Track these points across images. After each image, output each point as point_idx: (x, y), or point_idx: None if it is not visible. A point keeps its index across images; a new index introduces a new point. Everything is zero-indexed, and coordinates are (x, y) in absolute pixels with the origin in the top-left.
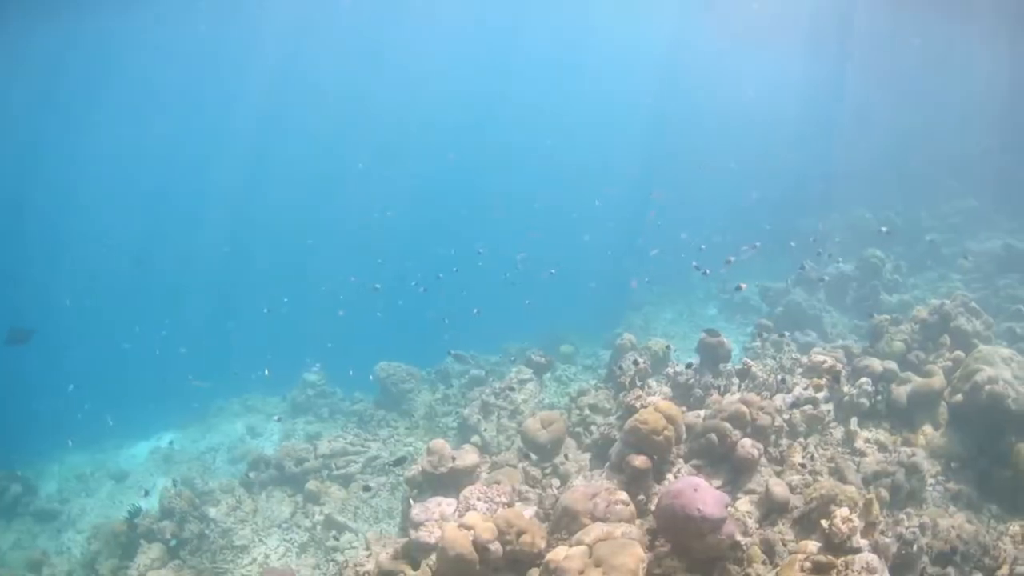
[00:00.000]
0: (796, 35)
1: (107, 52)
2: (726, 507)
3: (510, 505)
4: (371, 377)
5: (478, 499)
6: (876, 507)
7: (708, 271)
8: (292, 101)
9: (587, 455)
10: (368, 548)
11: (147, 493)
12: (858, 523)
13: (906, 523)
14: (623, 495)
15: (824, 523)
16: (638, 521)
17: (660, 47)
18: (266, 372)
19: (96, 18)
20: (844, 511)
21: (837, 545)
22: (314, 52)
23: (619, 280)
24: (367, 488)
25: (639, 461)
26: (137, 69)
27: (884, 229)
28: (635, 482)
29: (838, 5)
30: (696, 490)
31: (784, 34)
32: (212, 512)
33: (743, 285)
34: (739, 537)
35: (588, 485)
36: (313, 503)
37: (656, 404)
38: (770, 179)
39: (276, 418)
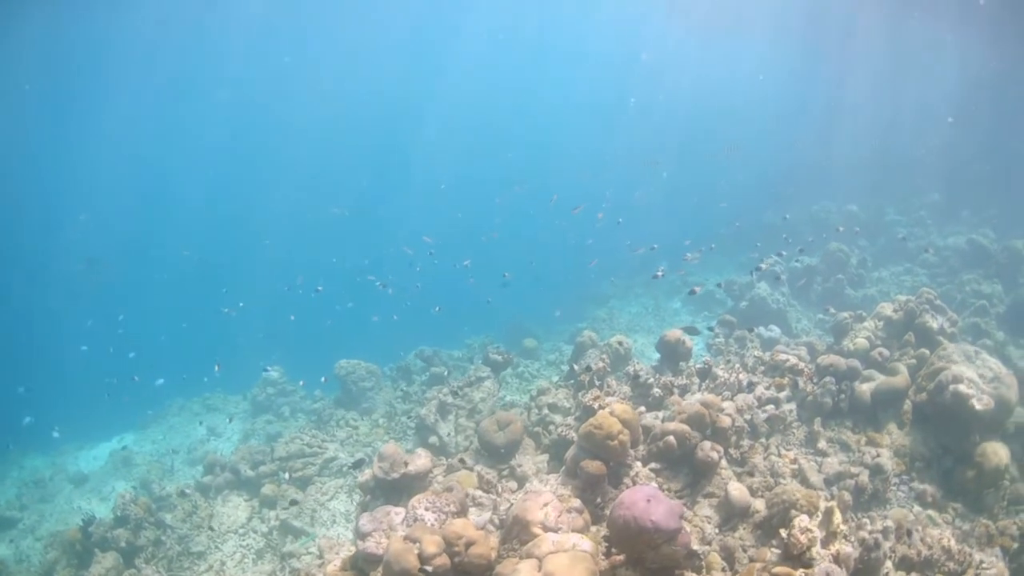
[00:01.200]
0: (765, 30)
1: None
2: (680, 517)
3: (460, 514)
4: (324, 378)
5: (426, 509)
6: (837, 516)
7: (662, 271)
8: (250, 106)
9: (545, 456)
10: (321, 556)
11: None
12: (818, 533)
13: (869, 527)
14: (576, 502)
15: (783, 533)
16: (594, 528)
17: (621, 40)
18: (216, 368)
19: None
20: (803, 520)
21: (796, 556)
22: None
23: (585, 274)
24: (294, 502)
25: (593, 467)
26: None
27: (840, 229)
28: (590, 488)
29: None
30: (649, 500)
31: (753, 29)
32: (168, 518)
33: (697, 288)
34: (696, 546)
35: (540, 493)
36: (269, 507)
37: (612, 407)
38: (738, 172)
39: (229, 419)
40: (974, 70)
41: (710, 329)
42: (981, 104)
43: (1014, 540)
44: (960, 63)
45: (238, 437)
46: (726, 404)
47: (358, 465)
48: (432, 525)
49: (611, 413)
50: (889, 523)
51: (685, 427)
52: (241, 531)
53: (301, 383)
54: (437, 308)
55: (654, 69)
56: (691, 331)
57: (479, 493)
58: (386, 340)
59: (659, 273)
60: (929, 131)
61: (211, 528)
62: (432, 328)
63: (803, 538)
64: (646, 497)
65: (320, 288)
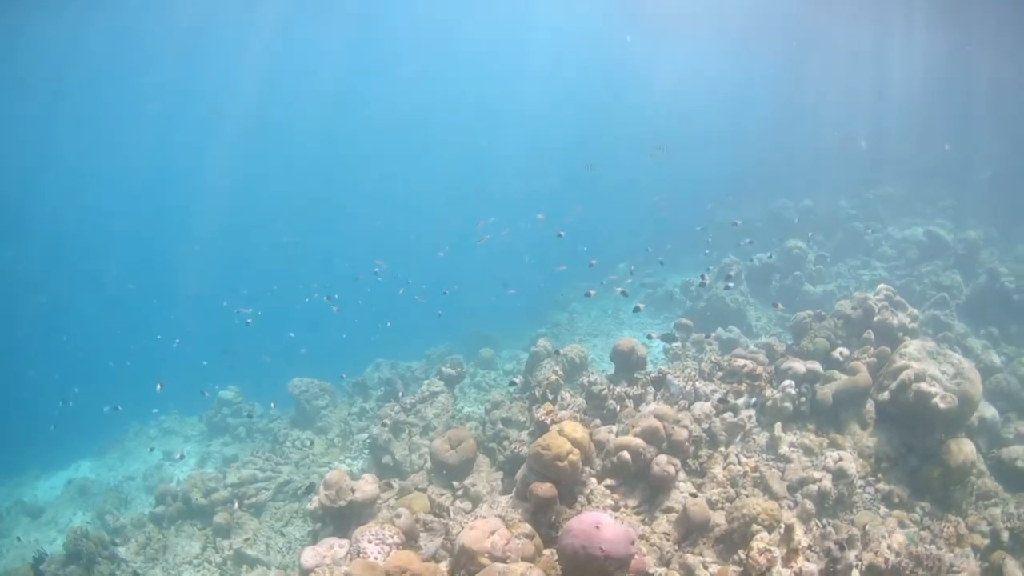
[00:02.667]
0: (719, 29)
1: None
2: (632, 542)
3: (408, 543)
4: (272, 404)
5: (369, 541)
6: (798, 531)
7: (626, 291)
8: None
9: (501, 474)
10: None
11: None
12: (778, 552)
13: (834, 536)
14: (526, 527)
15: (741, 554)
16: (548, 552)
17: (570, 44)
18: (159, 387)
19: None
20: (763, 539)
21: None
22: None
23: (545, 279)
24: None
25: (542, 490)
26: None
27: (798, 219)
28: (541, 510)
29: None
30: (598, 527)
31: (707, 28)
32: (122, 551)
33: (640, 306)
34: (651, 569)
35: (487, 519)
36: (223, 537)
37: (561, 426)
38: (693, 171)
39: (178, 455)
40: (921, 64)
41: (650, 337)
42: (933, 97)
43: (985, 536)
44: (905, 58)
45: (194, 461)
46: (681, 415)
47: (310, 490)
48: (376, 558)
49: (560, 432)
50: (855, 530)
51: (639, 441)
52: (195, 562)
53: (249, 409)
54: (388, 323)
55: (608, 71)
56: (668, 338)
57: (430, 517)
58: (347, 353)
59: (640, 307)
60: (881, 125)
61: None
62: (392, 340)
63: (762, 559)
64: (595, 523)
65: (249, 318)
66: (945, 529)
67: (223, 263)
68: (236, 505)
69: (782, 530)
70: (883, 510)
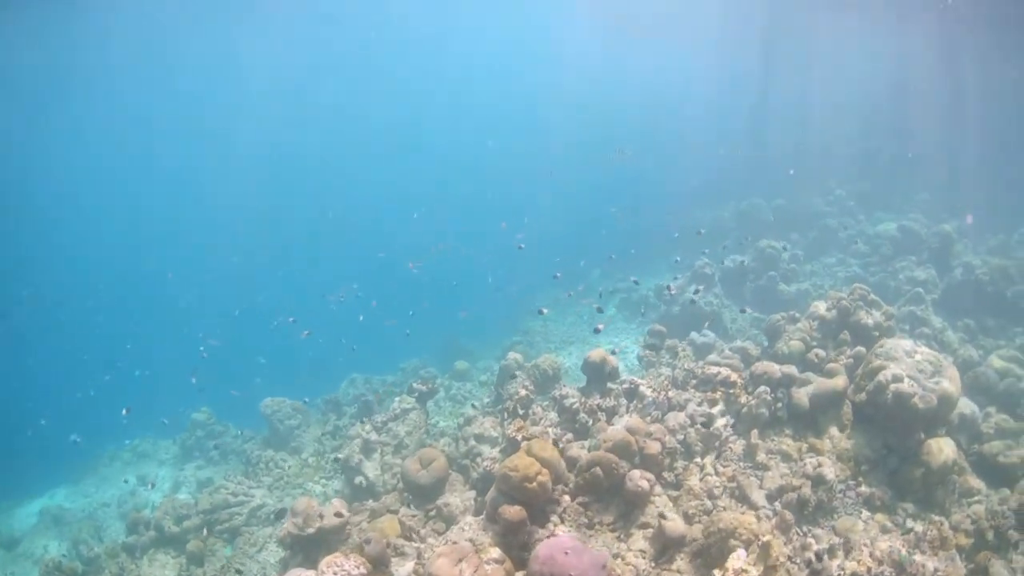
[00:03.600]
0: (692, 30)
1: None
2: (604, 567)
3: (377, 570)
4: (240, 431)
5: (335, 574)
6: (775, 547)
7: (601, 307)
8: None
9: (473, 492)
10: None
11: None
12: (754, 572)
13: (814, 546)
14: (495, 552)
15: (717, 574)
16: (519, 574)
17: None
18: (124, 412)
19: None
20: (738, 558)
21: None
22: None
23: (520, 287)
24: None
25: (511, 512)
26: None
27: (772, 218)
28: (511, 533)
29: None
30: (567, 553)
31: (680, 28)
32: None
33: (600, 326)
34: None
35: (456, 547)
36: (197, 565)
37: (530, 445)
38: (665, 171)
39: (150, 484)
40: (892, 61)
41: (614, 352)
42: (902, 93)
43: (969, 536)
44: (872, 56)
45: (168, 485)
46: (654, 427)
47: (280, 516)
48: None
49: (529, 451)
50: (836, 538)
51: (612, 456)
52: None
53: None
54: (354, 347)
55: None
56: (652, 349)
57: (401, 541)
58: (322, 368)
59: (601, 320)
60: (851, 122)
61: None
62: (368, 353)
63: None
64: (563, 550)
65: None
66: (929, 532)
67: (197, 285)
68: (205, 532)
69: (760, 544)
70: (865, 514)
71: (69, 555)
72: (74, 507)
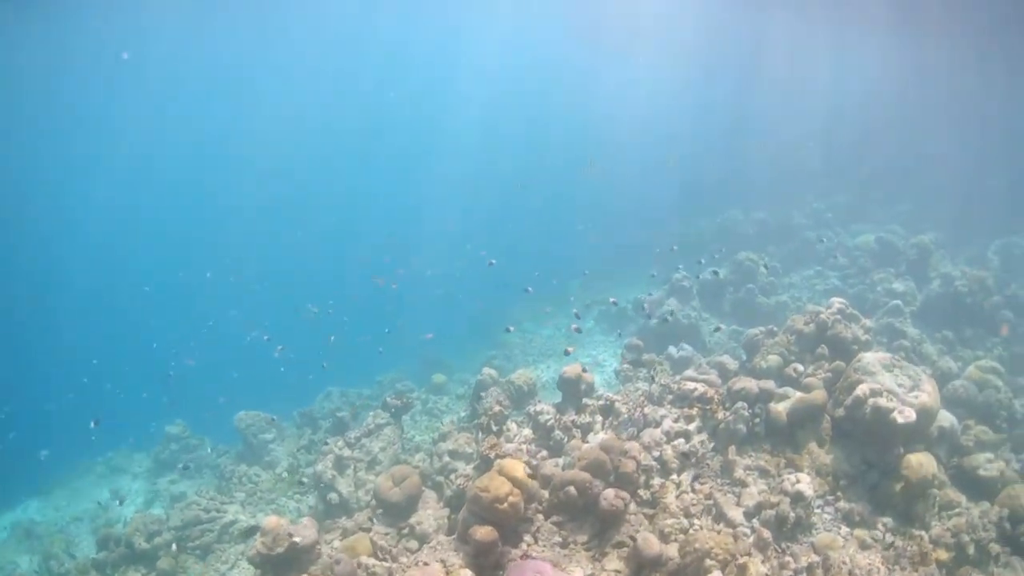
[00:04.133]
0: (668, 44)
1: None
2: None
3: None
4: (210, 449)
5: None
6: (752, 569)
7: (579, 328)
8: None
9: (447, 510)
10: None
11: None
12: None
13: (793, 565)
14: (466, 574)
15: None
16: None
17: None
18: (93, 424)
19: None
20: None
21: None
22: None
23: (496, 299)
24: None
25: (482, 533)
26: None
27: (751, 231)
28: (482, 555)
29: (712, 15)
30: None
31: (655, 43)
32: None
33: (576, 327)
34: None
35: (427, 568)
36: None
37: (501, 464)
38: (643, 185)
39: (118, 502)
40: (866, 73)
41: (586, 370)
42: (883, 105)
43: (950, 550)
44: (859, 66)
45: (142, 499)
46: (628, 445)
47: (250, 533)
48: None
49: (500, 471)
50: (815, 557)
51: (585, 475)
52: None
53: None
54: (324, 364)
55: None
56: (635, 364)
57: (372, 562)
58: (298, 382)
59: (575, 328)
60: (830, 133)
61: None
62: (345, 365)
63: None
64: (536, 572)
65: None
66: (909, 547)
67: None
68: (174, 548)
69: (737, 566)
70: (844, 529)
71: (40, 571)
72: (46, 521)
